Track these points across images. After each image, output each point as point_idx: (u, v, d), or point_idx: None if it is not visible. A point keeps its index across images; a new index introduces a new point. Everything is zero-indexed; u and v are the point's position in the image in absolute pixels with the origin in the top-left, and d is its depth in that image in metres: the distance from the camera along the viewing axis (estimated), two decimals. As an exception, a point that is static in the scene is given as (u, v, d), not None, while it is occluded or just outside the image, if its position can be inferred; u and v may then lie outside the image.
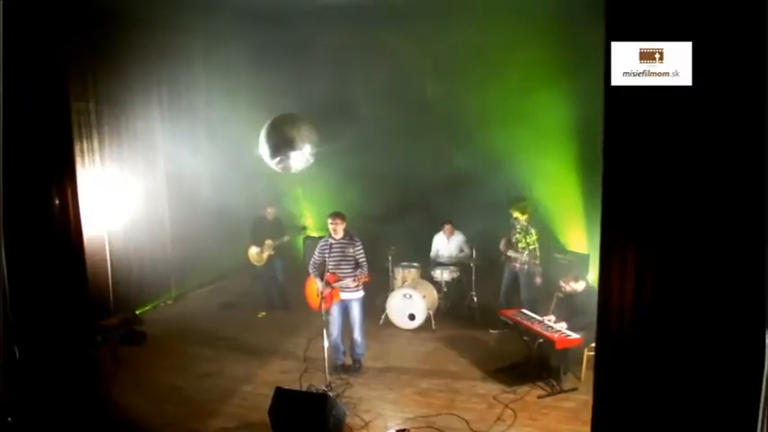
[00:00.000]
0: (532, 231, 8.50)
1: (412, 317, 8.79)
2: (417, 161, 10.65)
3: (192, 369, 7.54)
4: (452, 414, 6.31)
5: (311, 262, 7.39)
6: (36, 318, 5.88)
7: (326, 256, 7.11)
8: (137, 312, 9.07)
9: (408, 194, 10.96)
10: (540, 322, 7.14)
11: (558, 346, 6.69)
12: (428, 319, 8.84)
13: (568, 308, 7.16)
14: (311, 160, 6.31)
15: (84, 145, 8.59)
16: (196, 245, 10.42)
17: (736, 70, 3.53)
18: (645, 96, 3.80)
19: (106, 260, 9.01)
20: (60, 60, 6.11)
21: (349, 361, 7.54)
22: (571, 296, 7.15)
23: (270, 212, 9.50)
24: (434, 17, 9.56)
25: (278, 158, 5.97)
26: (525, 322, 7.25)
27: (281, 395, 5.64)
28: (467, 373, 7.44)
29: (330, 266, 7.06)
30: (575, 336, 6.75)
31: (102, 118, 8.90)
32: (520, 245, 8.50)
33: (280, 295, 9.76)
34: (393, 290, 9.23)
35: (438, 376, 7.30)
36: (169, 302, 10.25)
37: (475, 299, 9.39)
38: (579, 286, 7.09)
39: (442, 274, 9.40)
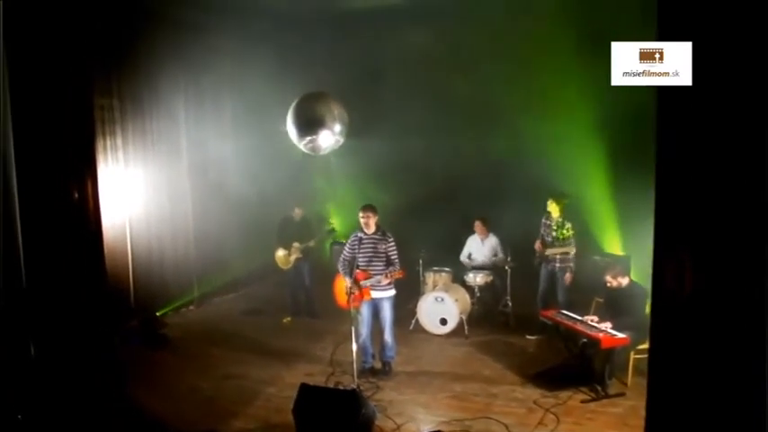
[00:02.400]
0: (568, 225, 8.09)
1: (444, 321, 8.37)
2: (450, 156, 10.20)
3: (215, 371, 7.21)
4: (489, 418, 5.88)
5: (340, 258, 7.03)
6: (53, 315, 5.71)
7: (357, 251, 6.76)
8: (158, 314, 8.76)
9: (439, 192, 10.56)
10: (583, 322, 6.68)
11: (604, 346, 6.23)
12: (460, 324, 8.41)
13: (613, 307, 6.69)
14: (341, 141, 5.96)
15: (108, 142, 8.40)
16: (220, 247, 10.15)
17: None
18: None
19: (128, 260, 8.78)
20: (83, 53, 6.01)
21: (378, 364, 7.14)
22: (616, 294, 6.70)
23: (297, 213, 9.20)
24: (467, 14, 9.27)
25: (307, 138, 5.63)
26: (567, 322, 6.80)
27: (307, 392, 5.26)
28: (503, 377, 7.00)
29: (361, 263, 6.71)
30: (621, 335, 6.28)
31: (126, 115, 8.72)
32: (556, 241, 8.10)
33: (306, 301, 9.41)
34: (423, 294, 8.83)
35: (473, 380, 6.87)
36: (191, 307, 9.94)
37: (509, 303, 8.95)
38: (625, 281, 6.64)
39: (476, 278, 8.95)
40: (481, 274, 8.98)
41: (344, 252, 6.98)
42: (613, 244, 9.20)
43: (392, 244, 6.80)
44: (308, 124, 5.61)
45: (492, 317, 9.09)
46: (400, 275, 6.70)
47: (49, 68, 5.45)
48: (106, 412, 5.87)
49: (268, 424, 5.83)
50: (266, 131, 10.16)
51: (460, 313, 8.36)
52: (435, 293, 8.45)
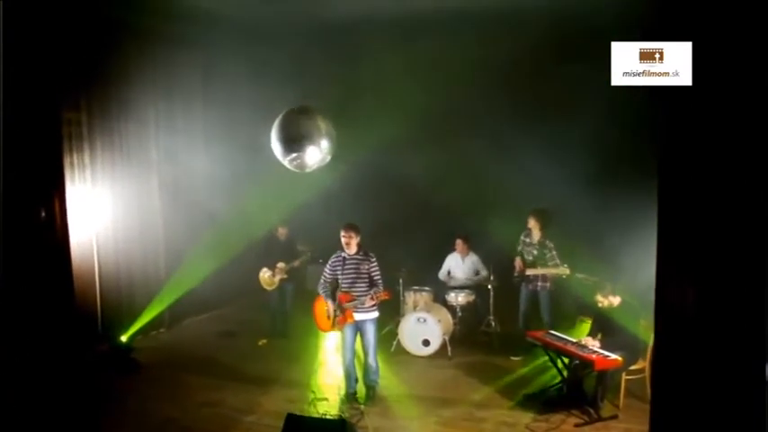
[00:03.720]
0: (551, 245, 7.95)
1: (426, 342, 8.14)
2: (428, 171, 9.97)
3: (190, 399, 6.84)
4: (481, 445, 5.65)
5: (321, 281, 6.75)
6: (18, 341, 5.34)
7: (339, 273, 6.50)
8: (125, 339, 8.34)
9: (417, 208, 10.35)
10: (574, 343, 6.51)
11: (598, 368, 6.06)
12: (443, 345, 8.19)
13: (604, 327, 6.54)
14: (328, 158, 5.70)
15: (75, 158, 8.02)
16: (192, 267, 9.75)
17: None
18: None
19: (95, 281, 8.37)
20: (50, 65, 5.72)
21: (362, 389, 6.85)
22: (607, 314, 6.55)
23: (281, 233, 8.92)
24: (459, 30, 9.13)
25: (292, 155, 5.35)
26: (557, 343, 6.62)
27: (294, 422, 4.98)
28: (491, 401, 6.79)
29: (343, 285, 6.45)
30: (614, 356, 6.12)
31: (94, 131, 8.34)
32: (537, 260, 7.95)
33: (283, 322, 9.11)
34: (404, 314, 8.59)
35: (460, 404, 6.65)
36: (162, 330, 9.52)
37: (492, 323, 8.76)
38: (617, 300, 6.50)
39: (457, 298, 8.75)
40: (463, 294, 8.78)
41: (325, 274, 6.71)
42: (594, 261, 9.05)
43: (375, 264, 6.56)
44: (294, 140, 5.33)
45: (474, 337, 8.89)
46: (387, 297, 6.46)
47: (12, 81, 5.15)
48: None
49: (250, 456, 5.52)
50: (240, 147, 9.86)
51: (443, 334, 8.14)
52: (417, 314, 8.22)
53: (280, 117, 5.57)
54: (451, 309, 8.77)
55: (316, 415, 6.13)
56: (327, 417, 5.80)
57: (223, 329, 9.70)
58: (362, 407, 6.51)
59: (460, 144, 9.99)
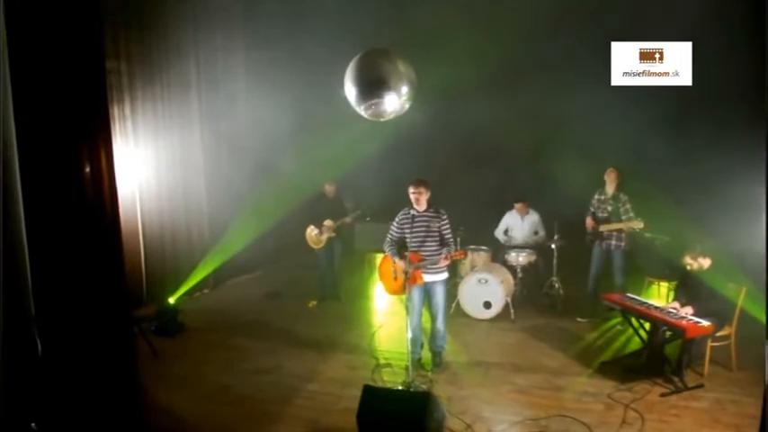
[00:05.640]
0: (624, 198, 7.41)
1: (488, 305, 7.68)
2: (493, 122, 9.27)
3: (242, 365, 6.45)
4: (565, 416, 5.19)
5: (387, 239, 6.24)
6: (62, 307, 4.98)
7: (407, 231, 6.00)
8: (171, 301, 7.96)
9: (474, 162, 9.74)
10: (660, 308, 5.99)
11: (690, 336, 5.55)
12: (506, 308, 7.74)
13: (693, 291, 6.00)
14: (407, 106, 5.15)
15: (115, 111, 7.54)
16: (235, 224, 9.34)
17: None
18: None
19: (139, 243, 7.99)
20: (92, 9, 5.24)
21: (426, 355, 6.42)
22: (696, 277, 6.00)
23: (329, 190, 8.46)
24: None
25: (369, 102, 4.82)
26: (639, 307, 6.11)
27: (372, 395, 4.53)
28: (566, 367, 6.33)
29: (413, 244, 5.94)
30: (705, 323, 5.61)
31: (134, 81, 7.85)
32: (612, 216, 7.41)
33: (333, 283, 8.70)
34: (461, 276, 8.12)
35: (534, 371, 6.19)
36: (206, 291, 9.16)
37: (556, 285, 8.27)
38: (707, 263, 5.95)
39: (518, 258, 8.25)
40: (524, 254, 8.29)
41: (392, 231, 6.21)
42: (670, 219, 8.45)
43: (446, 222, 6.04)
44: (373, 84, 4.77)
45: (536, 299, 8.44)
46: (462, 256, 5.95)
47: (52, 28, 4.70)
48: (126, 417, 5.16)
49: (318, 428, 5.09)
50: (285, 94, 9.31)
51: (506, 296, 7.67)
52: (478, 275, 7.75)
53: (356, 59, 5.00)
54: (511, 269, 8.29)
55: (381, 384, 5.74)
56: (411, 389, 5.35)
57: (269, 290, 9.34)
58: (430, 374, 6.09)
59: (525, 91, 9.25)
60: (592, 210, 7.74)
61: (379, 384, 5.80)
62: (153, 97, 8.11)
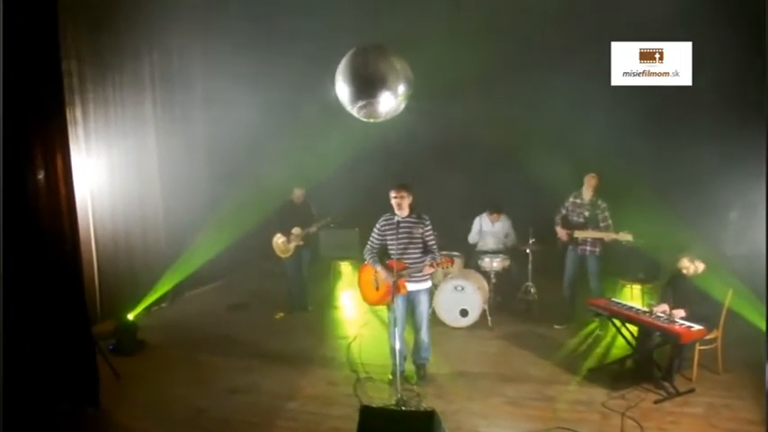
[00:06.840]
0: (603, 206, 7.29)
1: (464, 312, 7.48)
2: (468, 125, 9.08)
3: (215, 384, 6.00)
4: (564, 428, 4.99)
5: (368, 247, 5.91)
6: (20, 322, 4.57)
7: (390, 238, 5.70)
8: (130, 317, 7.41)
9: (445, 165, 9.50)
10: (649, 313, 5.88)
11: (684, 341, 5.44)
12: (482, 315, 7.54)
13: (686, 295, 5.90)
14: (402, 106, 4.82)
15: (66, 114, 6.96)
16: (193, 233, 8.84)
17: None
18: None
19: (92, 254, 7.43)
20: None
21: (409, 367, 6.12)
22: (690, 281, 5.91)
23: (298, 195, 8.07)
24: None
25: (362, 101, 4.48)
26: (629, 313, 5.98)
27: (371, 416, 4.21)
28: (554, 376, 6.16)
29: (395, 251, 5.64)
30: (698, 327, 5.52)
31: (85, 82, 7.29)
32: (589, 222, 7.28)
33: (300, 293, 8.32)
34: (435, 283, 7.86)
35: (522, 381, 6.00)
36: (163, 305, 8.62)
37: (532, 290, 8.12)
38: (701, 267, 5.86)
39: (492, 263, 8.05)
40: (498, 259, 8.10)
41: (372, 238, 5.89)
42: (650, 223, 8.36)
43: (429, 228, 5.78)
44: (367, 83, 4.42)
45: (511, 305, 8.26)
46: (450, 264, 5.68)
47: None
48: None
49: (306, 450, 4.76)
50: (245, 96, 8.89)
51: (483, 303, 7.47)
52: (454, 281, 7.53)
53: (348, 55, 4.65)
54: (485, 275, 8.09)
55: (367, 400, 5.44)
56: (406, 407, 5.04)
57: (232, 302, 8.89)
58: (416, 388, 5.80)
59: (502, 93, 9.08)
60: (563, 212, 7.59)
61: (364, 400, 5.49)
62: (105, 100, 7.56)
